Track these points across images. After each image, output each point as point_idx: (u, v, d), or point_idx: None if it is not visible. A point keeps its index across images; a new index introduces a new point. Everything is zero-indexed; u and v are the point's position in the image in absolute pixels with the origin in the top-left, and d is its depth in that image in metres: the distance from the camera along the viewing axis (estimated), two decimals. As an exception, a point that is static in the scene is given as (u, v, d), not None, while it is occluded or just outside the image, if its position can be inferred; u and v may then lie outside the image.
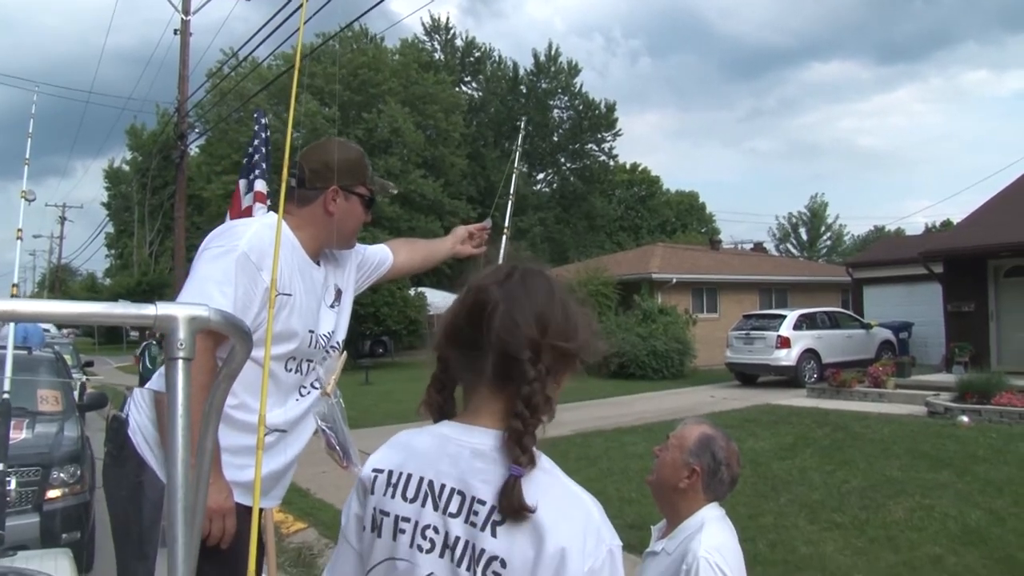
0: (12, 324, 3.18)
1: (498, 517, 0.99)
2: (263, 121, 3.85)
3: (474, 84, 42.96)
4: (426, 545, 1.03)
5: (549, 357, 1.05)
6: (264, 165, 3.68)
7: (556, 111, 42.56)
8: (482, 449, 1.05)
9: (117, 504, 1.94)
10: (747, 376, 15.76)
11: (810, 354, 14.92)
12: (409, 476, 1.07)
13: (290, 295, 1.88)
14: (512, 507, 0.98)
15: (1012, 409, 9.41)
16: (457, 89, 39.08)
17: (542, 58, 42.09)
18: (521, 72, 42.30)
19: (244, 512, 1.79)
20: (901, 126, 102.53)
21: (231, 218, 3.30)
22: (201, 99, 18.60)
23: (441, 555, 1.01)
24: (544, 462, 1.06)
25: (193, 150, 29.41)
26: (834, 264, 34.96)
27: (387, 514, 1.07)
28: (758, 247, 35.94)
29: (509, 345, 1.04)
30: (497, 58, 43.28)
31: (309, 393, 2.04)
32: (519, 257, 1.25)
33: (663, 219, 48.54)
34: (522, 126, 5.59)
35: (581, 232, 41.56)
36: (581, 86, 42.44)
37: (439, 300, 22.53)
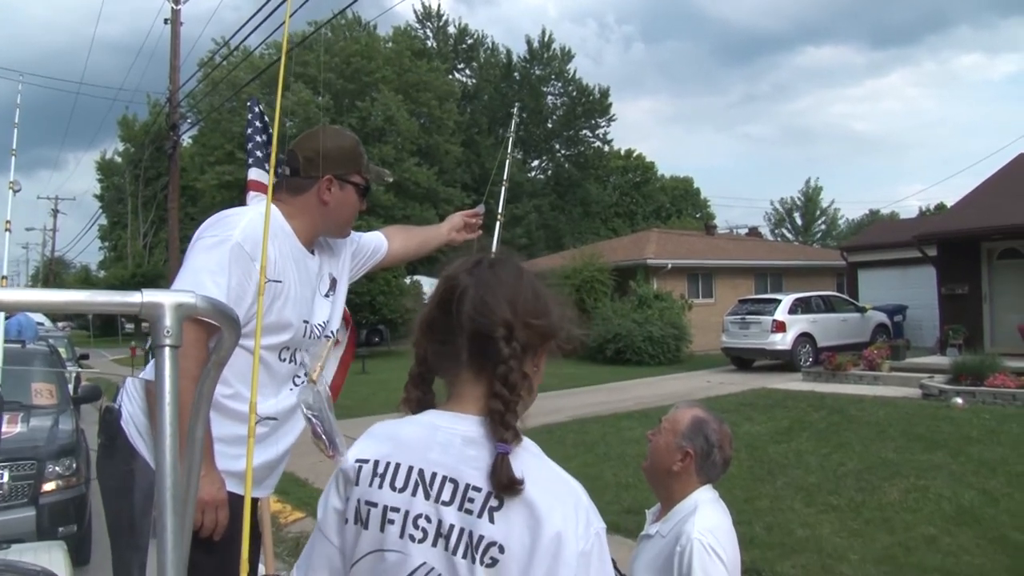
0: (1, 317, 3.16)
1: (495, 503, 0.99)
2: (256, 109, 3.82)
3: (467, 71, 42.76)
4: (418, 535, 1.02)
5: (523, 335, 1.06)
6: (259, 153, 3.64)
7: (550, 98, 42.40)
8: (472, 436, 1.05)
9: (110, 495, 1.94)
10: (743, 361, 15.81)
11: (805, 338, 14.95)
12: (398, 465, 1.06)
13: (280, 282, 1.87)
14: (503, 483, 0.99)
15: (1005, 390, 9.46)
16: (450, 77, 38.89)
17: (535, 44, 41.91)
18: (514, 59, 42.12)
19: (239, 501, 1.78)
20: (895, 110, 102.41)
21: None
22: (192, 89, 18.48)
23: (434, 544, 1.01)
24: (531, 446, 1.07)
25: (186, 140, 29.25)
26: (829, 248, 35.03)
27: (374, 505, 1.06)
28: (753, 232, 35.91)
29: (481, 325, 1.05)
30: (490, 45, 43.07)
31: (303, 383, 2.04)
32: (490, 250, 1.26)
33: (658, 205, 48.50)
34: (515, 113, 5.58)
35: (576, 219, 41.52)
36: (575, 72, 42.31)
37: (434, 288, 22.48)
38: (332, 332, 2.13)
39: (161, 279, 30.68)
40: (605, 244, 25.82)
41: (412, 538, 1.02)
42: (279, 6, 10.50)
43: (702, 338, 18.76)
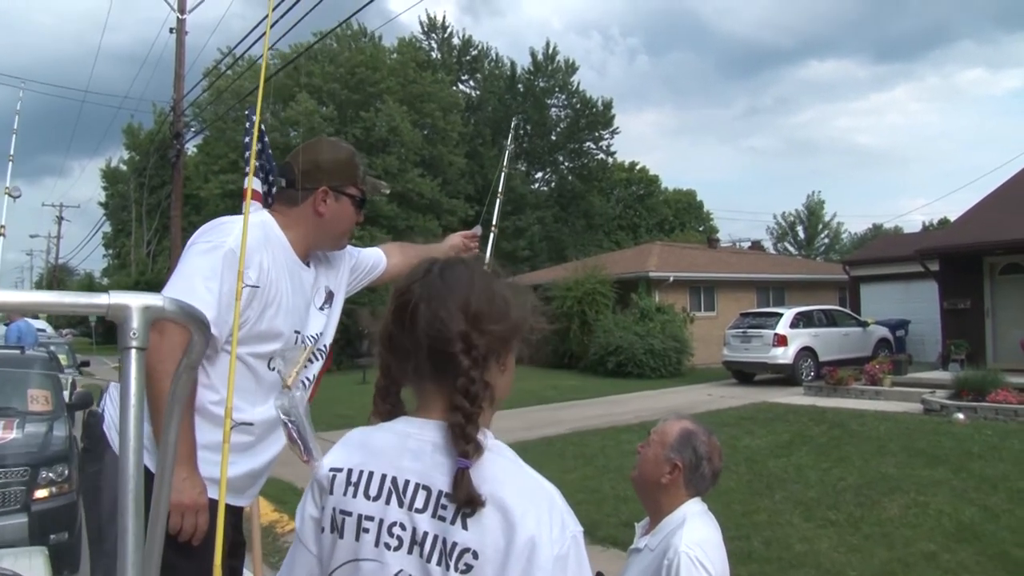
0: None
1: (468, 509, 0.98)
2: (254, 119, 3.83)
3: (471, 83, 42.90)
4: (393, 543, 1.01)
5: (483, 343, 1.04)
6: (256, 163, 3.65)
7: (554, 110, 42.50)
8: (441, 443, 1.04)
9: (91, 499, 1.92)
10: (744, 374, 15.77)
11: (807, 352, 14.92)
12: (371, 474, 1.06)
13: (257, 287, 1.86)
14: (462, 498, 0.98)
15: (1007, 406, 9.41)
16: (455, 88, 39.02)
17: (540, 56, 42.05)
18: (519, 71, 42.26)
19: (226, 509, 1.77)
20: (898, 124, 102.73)
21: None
22: (197, 97, 18.58)
23: (410, 551, 1.00)
24: (505, 451, 1.06)
25: (190, 149, 29.38)
26: (831, 262, 34.96)
27: (349, 514, 1.05)
28: (756, 245, 35.92)
29: (437, 341, 1.04)
30: (494, 56, 43.24)
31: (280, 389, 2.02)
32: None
33: (661, 218, 48.52)
34: (512, 126, 5.57)
35: (579, 231, 41.51)
36: (579, 84, 42.41)
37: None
38: (325, 345, 2.12)
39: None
40: (608, 256, 25.81)
41: (387, 546, 1.01)
42: (283, 16, 10.57)
43: (704, 351, 18.71)
